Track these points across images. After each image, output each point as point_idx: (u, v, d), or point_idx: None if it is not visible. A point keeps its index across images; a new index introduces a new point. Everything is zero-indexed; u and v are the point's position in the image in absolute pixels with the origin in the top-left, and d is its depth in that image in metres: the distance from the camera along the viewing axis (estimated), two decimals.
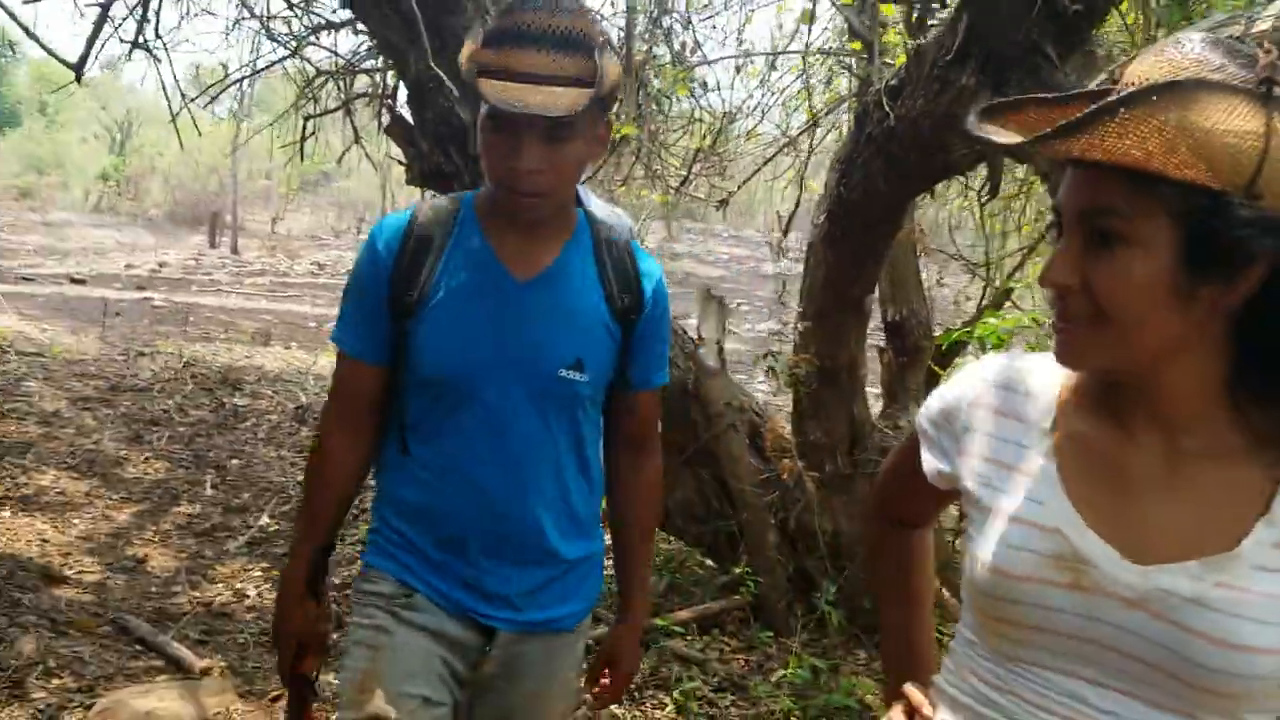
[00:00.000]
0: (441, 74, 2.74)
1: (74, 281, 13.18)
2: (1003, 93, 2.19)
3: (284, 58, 6.29)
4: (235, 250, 23.70)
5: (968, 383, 1.07)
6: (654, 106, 6.29)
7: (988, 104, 0.95)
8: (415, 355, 1.52)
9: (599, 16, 1.50)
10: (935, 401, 1.10)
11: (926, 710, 1.08)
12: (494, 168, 1.46)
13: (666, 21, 6.25)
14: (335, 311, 1.63)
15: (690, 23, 6.46)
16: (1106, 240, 0.87)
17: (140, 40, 5.76)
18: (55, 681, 2.88)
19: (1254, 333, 0.87)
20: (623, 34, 6.18)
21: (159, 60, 5.96)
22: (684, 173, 6.74)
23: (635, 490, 1.69)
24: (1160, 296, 0.86)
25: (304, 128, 6.43)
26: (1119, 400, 0.97)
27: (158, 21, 6.95)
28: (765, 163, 6.61)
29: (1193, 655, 0.88)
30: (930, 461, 1.09)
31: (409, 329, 1.52)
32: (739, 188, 6.55)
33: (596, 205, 2.13)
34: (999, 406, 1.03)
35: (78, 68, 5.44)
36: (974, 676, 1.02)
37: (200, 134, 6.23)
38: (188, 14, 6.42)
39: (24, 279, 12.61)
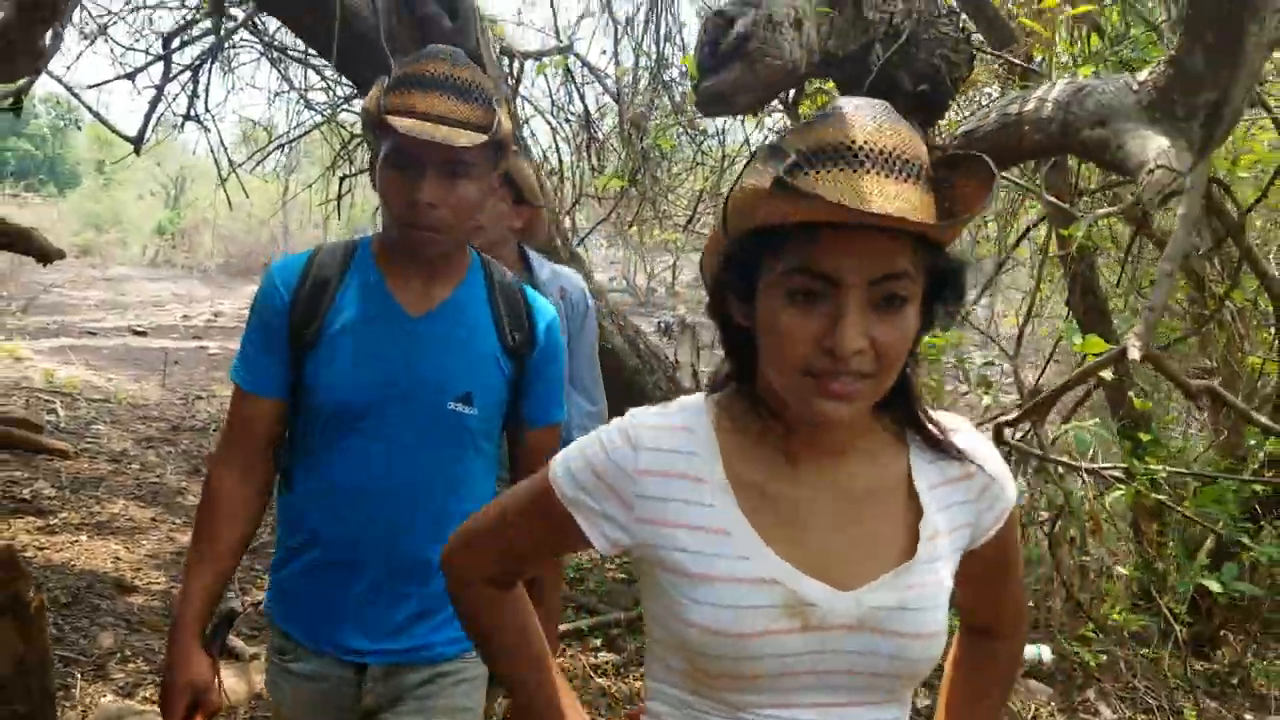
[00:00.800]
0: None
1: (135, 334, 14.10)
2: None
3: (319, 124, 7.01)
4: None
5: (618, 448, 1.04)
6: (657, 152, 6.83)
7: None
8: (310, 385, 1.56)
9: (491, 75, 1.52)
10: (583, 472, 1.06)
11: None
12: (394, 204, 1.53)
13: (667, 75, 6.81)
14: None
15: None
16: (892, 301, 0.93)
17: (191, 114, 6.53)
18: (131, 666, 3.46)
19: None
20: (625, 87, 6.78)
21: (208, 130, 6.72)
22: (689, 212, 7.30)
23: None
24: (912, 339, 0.96)
25: (340, 186, 7.13)
26: (779, 439, 1.03)
27: (207, 96, 7.72)
28: None
29: (907, 654, 1.00)
30: (600, 532, 1.05)
31: (305, 362, 1.56)
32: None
33: (547, 268, 2.34)
34: (670, 470, 1.03)
35: (136, 141, 6.21)
36: None
37: (247, 195, 6.96)
38: (234, 88, 7.17)
39: (89, 333, 13.52)
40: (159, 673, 3.42)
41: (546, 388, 1.67)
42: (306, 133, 7.09)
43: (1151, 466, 3.48)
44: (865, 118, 0.92)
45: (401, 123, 1.45)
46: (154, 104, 6.23)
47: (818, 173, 0.90)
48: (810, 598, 0.98)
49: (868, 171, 0.89)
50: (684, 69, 6.97)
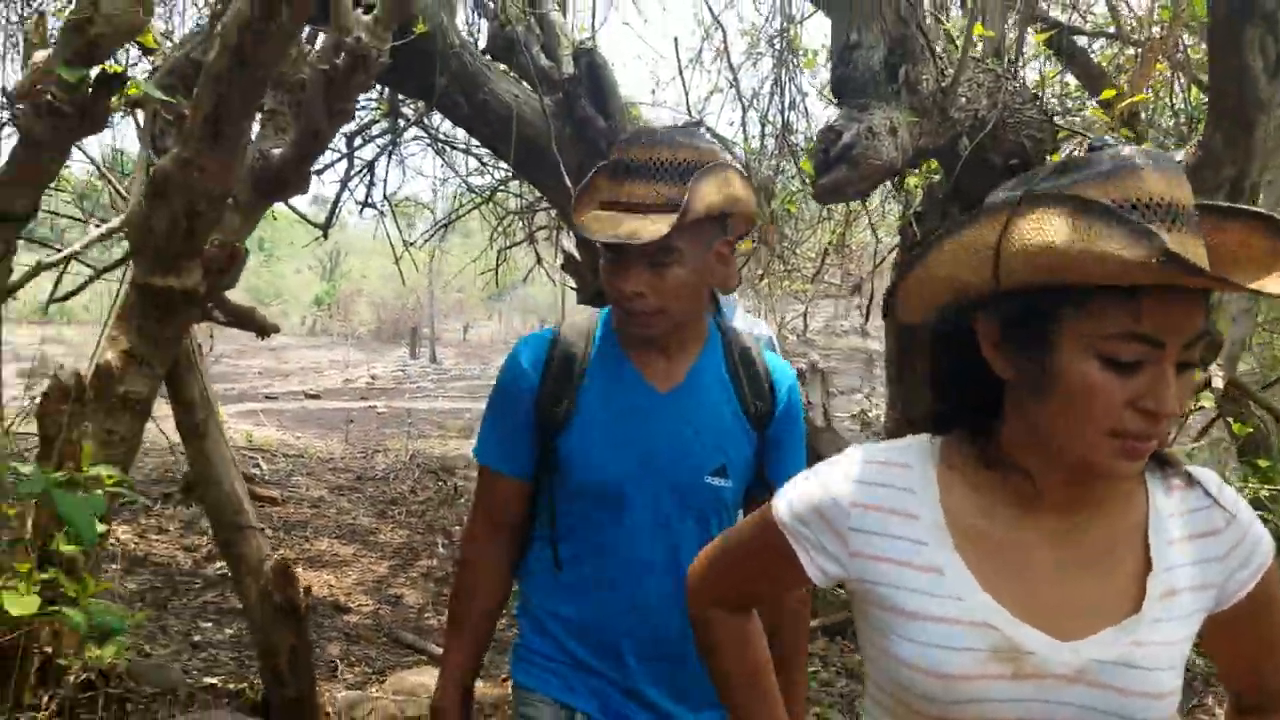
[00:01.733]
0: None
1: (309, 397, 15.51)
2: None
3: (480, 204, 7.90)
4: (434, 359, 26.24)
5: (835, 483, 1.06)
6: (785, 213, 7.38)
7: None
8: (564, 465, 1.56)
9: (713, 143, 1.55)
10: (800, 502, 1.08)
11: None
12: (608, 291, 1.54)
13: (793, 140, 7.38)
14: None
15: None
16: (1189, 364, 0.92)
17: (369, 200, 7.50)
18: (356, 669, 4.18)
19: None
20: (752, 154, 7.40)
21: (383, 215, 7.70)
22: (816, 265, 7.83)
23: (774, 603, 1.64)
24: None
25: (498, 257, 8.00)
26: (1012, 486, 1.00)
27: (385, 186, 8.77)
28: (891, 250, 7.63)
29: (1129, 712, 0.95)
30: (815, 564, 1.07)
31: (558, 443, 1.56)
32: (868, 274, 7.57)
33: (740, 316, 2.28)
34: (884, 505, 1.03)
35: (324, 227, 7.19)
36: None
37: (417, 269, 7.89)
38: (405, 176, 8.17)
39: (269, 397, 14.98)
40: (379, 674, 4.13)
41: (790, 451, 1.65)
42: (468, 211, 7.98)
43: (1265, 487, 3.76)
44: (1161, 169, 0.89)
45: (588, 223, 1.50)
46: (339, 196, 7.24)
47: (1169, 233, 0.85)
48: (1025, 645, 0.96)
49: (1190, 231, 0.88)
50: (808, 133, 7.53)
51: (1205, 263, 0.86)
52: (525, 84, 4.65)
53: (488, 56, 4.93)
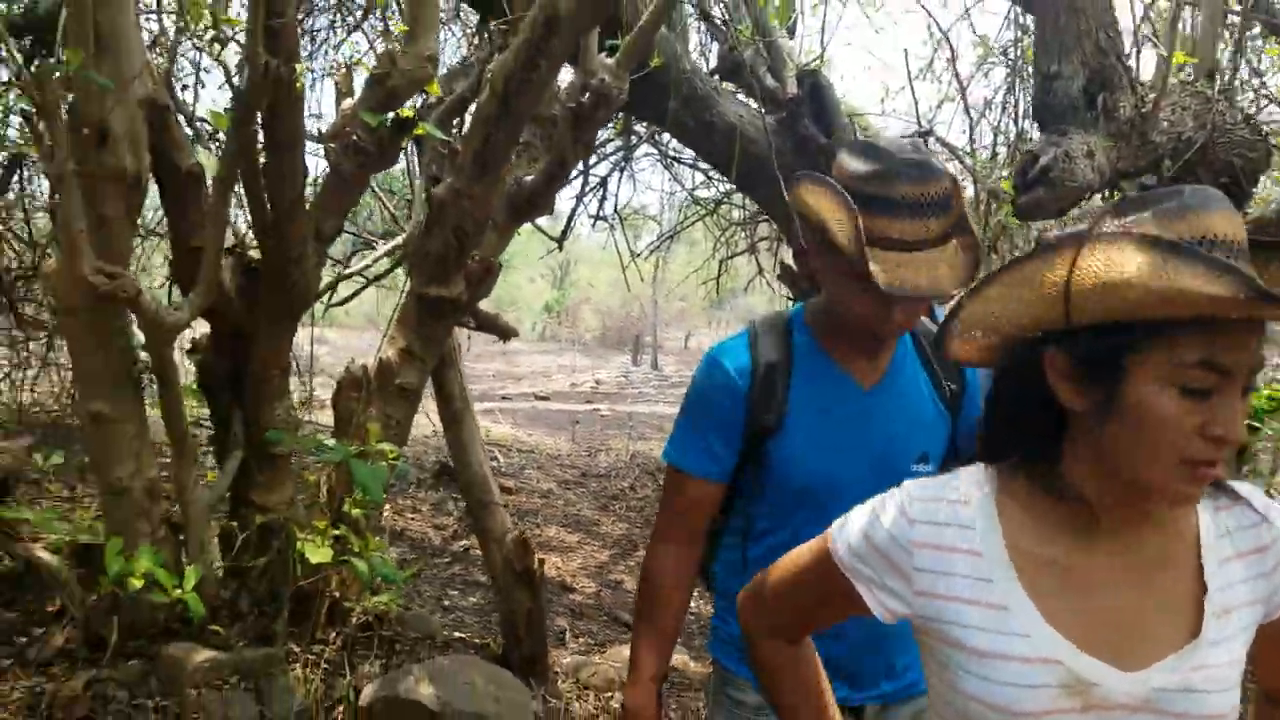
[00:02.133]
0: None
1: (539, 399, 16.54)
2: None
3: (703, 215, 8.29)
4: (655, 366, 27.04)
5: (894, 521, 1.07)
6: (1014, 220, 7.26)
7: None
8: (779, 469, 1.60)
9: (943, 163, 1.54)
10: (859, 541, 1.09)
11: None
12: (862, 316, 1.53)
13: (1023, 148, 7.22)
14: None
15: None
16: (1249, 389, 0.95)
17: (600, 214, 8.05)
18: (580, 640, 4.63)
19: None
20: (983, 163, 7.34)
21: (613, 228, 8.23)
22: None
23: None
24: None
25: (720, 267, 8.35)
26: (1073, 515, 1.03)
27: (616, 200, 9.37)
28: None
29: None
30: (879, 602, 1.08)
31: (769, 446, 1.60)
32: None
33: None
34: (946, 544, 1.04)
35: (560, 240, 7.78)
36: None
37: (641, 278, 8.37)
38: (635, 190, 8.72)
39: (504, 398, 16.12)
40: (600, 646, 4.55)
41: (973, 429, 1.62)
42: (692, 223, 8.40)
43: None
44: (1223, 208, 0.93)
45: (882, 272, 1.42)
46: (574, 210, 7.84)
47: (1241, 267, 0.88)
48: (1091, 677, 0.98)
49: (1248, 264, 0.92)
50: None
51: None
52: (751, 103, 4.96)
53: (716, 77, 5.29)
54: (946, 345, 1.08)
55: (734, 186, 7.85)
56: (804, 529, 1.51)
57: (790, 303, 5.20)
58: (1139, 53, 2.73)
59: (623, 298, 33.68)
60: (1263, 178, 3.23)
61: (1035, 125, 2.85)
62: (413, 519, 6.30)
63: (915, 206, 1.43)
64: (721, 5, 5.27)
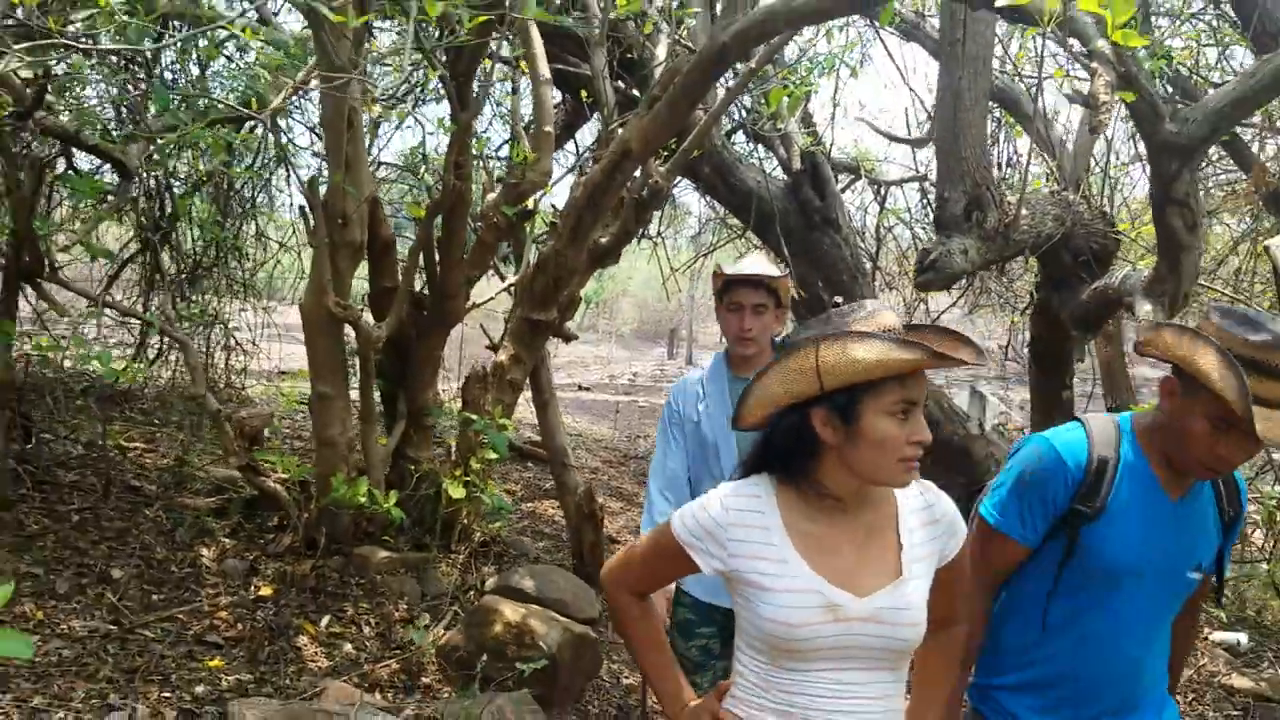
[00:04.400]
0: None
1: (581, 389, 18.18)
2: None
3: (732, 239, 9.79)
4: (690, 360, 28.45)
5: (716, 512, 1.65)
6: None
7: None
8: (1088, 549, 1.95)
9: None
10: (691, 524, 1.66)
11: (724, 714, 1.70)
12: (1196, 449, 1.85)
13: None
14: None
15: None
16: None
17: (644, 233, 9.57)
18: None
19: None
20: None
21: (657, 244, 9.75)
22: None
23: (1179, 644, 2.13)
24: None
25: None
26: (822, 502, 1.63)
27: (659, 220, 10.86)
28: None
29: (900, 636, 1.60)
30: (707, 563, 1.65)
31: (1081, 532, 1.94)
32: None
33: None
34: (746, 523, 1.63)
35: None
36: (773, 689, 1.63)
37: (675, 278, 9.90)
38: (675, 211, 10.30)
39: None
40: None
41: (1228, 545, 2.06)
42: (721, 245, 9.91)
43: None
44: (886, 310, 1.57)
45: (1264, 431, 1.70)
46: None
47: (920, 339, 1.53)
48: (838, 601, 1.57)
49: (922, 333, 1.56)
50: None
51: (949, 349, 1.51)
52: (762, 169, 6.51)
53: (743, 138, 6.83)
54: (741, 418, 1.67)
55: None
56: (1108, 603, 1.96)
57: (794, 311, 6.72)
58: (1027, 168, 4.22)
59: (659, 292, 34.69)
60: (1116, 259, 4.72)
61: (933, 230, 4.38)
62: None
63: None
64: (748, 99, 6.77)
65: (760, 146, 7.23)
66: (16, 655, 1.54)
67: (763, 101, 6.38)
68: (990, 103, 4.24)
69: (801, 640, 1.57)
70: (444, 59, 3.85)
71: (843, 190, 8.55)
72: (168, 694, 3.41)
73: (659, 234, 9.70)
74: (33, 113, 3.34)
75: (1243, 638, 5.31)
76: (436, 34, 3.60)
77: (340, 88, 3.31)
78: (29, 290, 4.67)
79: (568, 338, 7.62)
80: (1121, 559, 1.93)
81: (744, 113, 7.04)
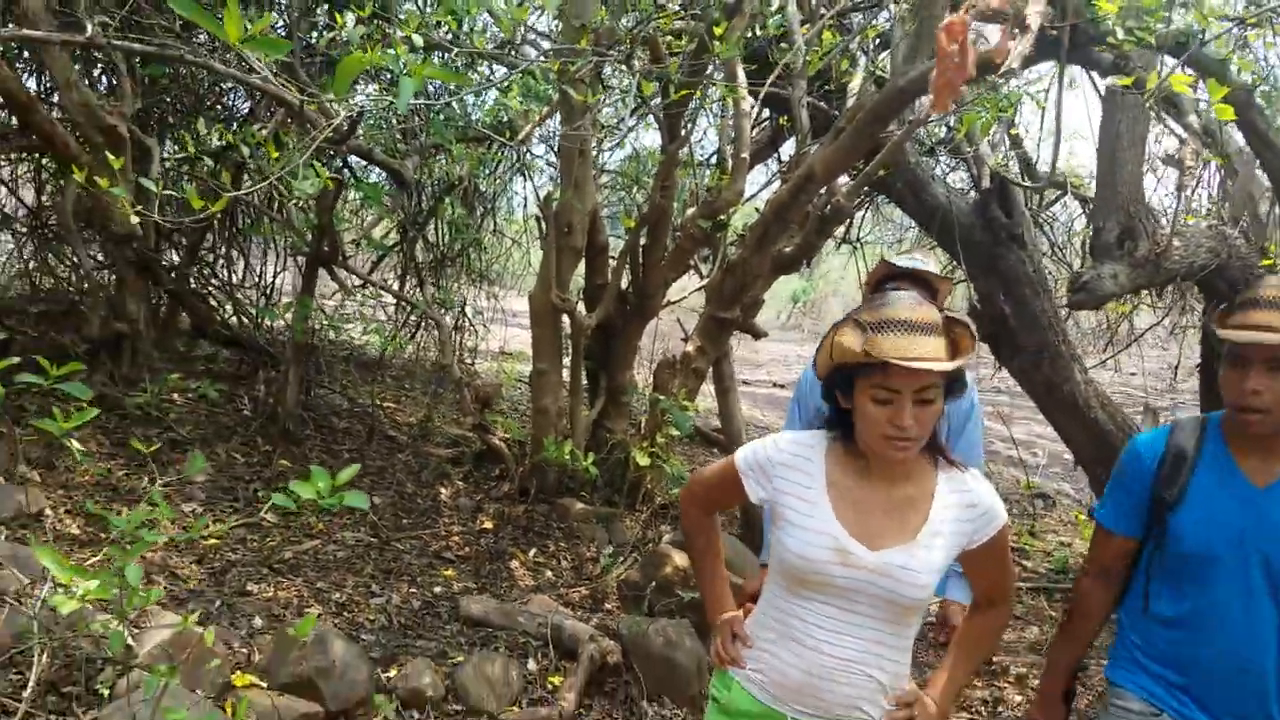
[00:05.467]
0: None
1: (776, 385, 18.81)
2: None
3: (931, 247, 10.19)
4: None
5: (771, 450, 1.91)
6: None
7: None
8: (1173, 534, 2.09)
9: None
10: (750, 456, 1.93)
11: (741, 630, 1.98)
12: (1228, 393, 2.01)
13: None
14: None
15: None
16: (926, 402, 1.76)
17: (846, 237, 10.13)
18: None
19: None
20: None
21: (856, 250, 10.25)
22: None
23: None
24: (937, 418, 1.81)
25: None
26: (870, 465, 1.85)
27: (859, 228, 11.38)
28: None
29: (902, 592, 1.80)
30: (754, 492, 1.92)
31: (1168, 516, 2.09)
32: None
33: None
34: (795, 465, 1.88)
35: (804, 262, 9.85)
36: (778, 610, 1.90)
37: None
38: (877, 220, 10.83)
39: (745, 383, 18.51)
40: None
41: None
42: (910, 249, 10.31)
43: None
44: (904, 302, 1.75)
45: (1235, 335, 1.95)
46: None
47: (883, 337, 1.69)
48: (850, 548, 1.81)
49: (914, 334, 1.69)
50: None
51: (909, 354, 1.68)
52: (948, 186, 7.01)
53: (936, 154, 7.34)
54: (816, 367, 1.91)
55: None
56: (1203, 588, 2.08)
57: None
58: (1178, 203, 4.62)
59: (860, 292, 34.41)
60: None
61: (1089, 256, 4.82)
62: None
63: (1272, 303, 1.97)
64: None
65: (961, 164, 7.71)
66: (359, 505, 2.47)
67: (959, 123, 6.89)
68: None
69: (812, 574, 1.84)
70: (658, 101, 4.70)
71: (1050, 204, 8.82)
72: (414, 590, 4.47)
73: (859, 239, 10.24)
74: (348, 139, 4.45)
75: None
76: (655, 82, 4.46)
77: (576, 129, 4.23)
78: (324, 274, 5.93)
79: (757, 334, 8.30)
80: (1203, 542, 2.06)
81: (946, 130, 7.54)
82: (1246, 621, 2.05)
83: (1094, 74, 5.36)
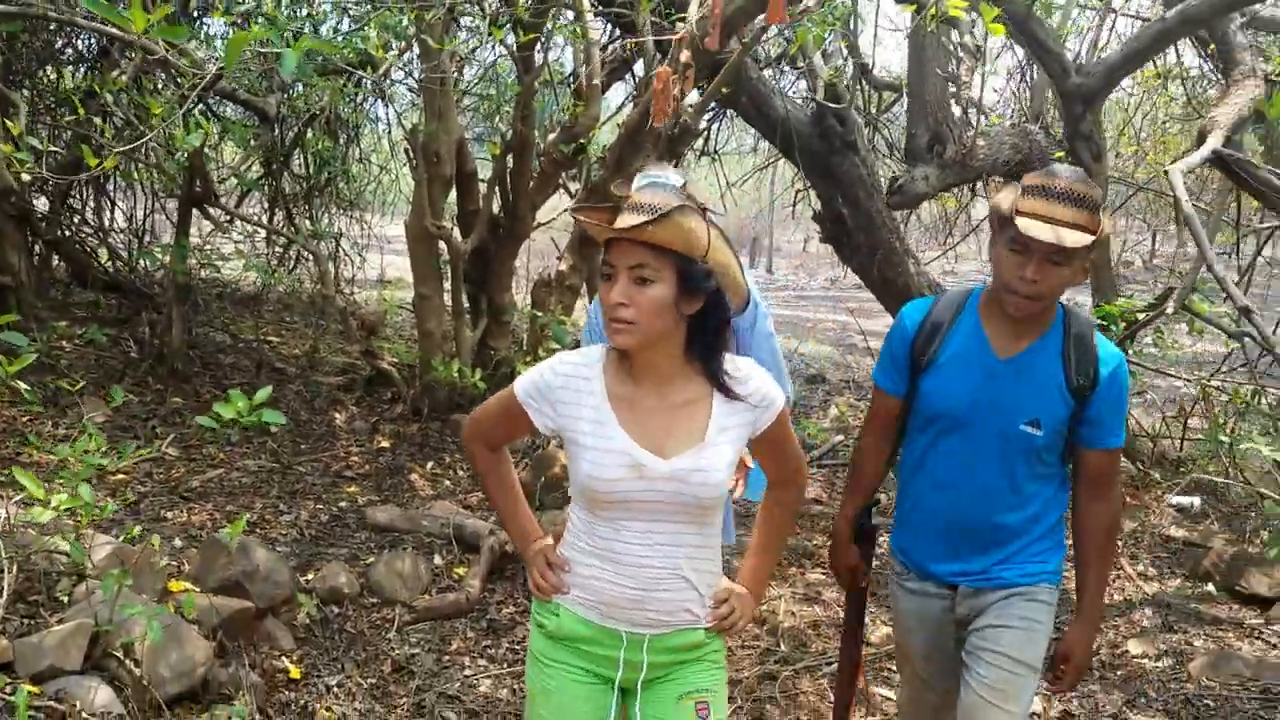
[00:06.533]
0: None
1: None
2: None
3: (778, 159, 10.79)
4: (770, 269, 29.31)
5: (549, 375, 1.89)
6: None
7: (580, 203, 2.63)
8: (922, 396, 2.30)
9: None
10: (528, 385, 1.91)
11: (556, 558, 1.98)
12: (1004, 272, 2.13)
13: None
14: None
15: None
16: (643, 281, 1.74)
17: (705, 150, 10.60)
18: None
19: (695, 327, 1.83)
20: None
21: (714, 161, 10.74)
22: None
23: (1085, 523, 2.27)
24: (665, 308, 1.77)
25: (794, 196, 10.82)
26: (633, 369, 1.85)
27: (716, 139, 11.74)
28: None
29: (699, 494, 1.85)
30: (540, 421, 1.90)
31: (920, 379, 2.29)
32: None
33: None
34: (573, 386, 1.88)
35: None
36: (594, 535, 1.91)
37: (730, 184, 10.94)
38: (733, 131, 11.61)
39: None
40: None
41: (1103, 421, 2.19)
42: (774, 161, 10.90)
43: None
44: (642, 188, 1.99)
45: (1027, 225, 2.03)
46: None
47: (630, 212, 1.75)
48: (643, 460, 1.83)
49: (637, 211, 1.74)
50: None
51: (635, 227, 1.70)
52: (786, 100, 7.56)
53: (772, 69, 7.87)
54: None
55: None
56: (931, 448, 2.31)
57: (819, 236, 7.79)
58: (979, 106, 5.26)
59: (734, 201, 35.11)
60: None
61: (904, 160, 5.46)
62: None
63: (1062, 195, 2.06)
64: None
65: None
66: (275, 423, 2.89)
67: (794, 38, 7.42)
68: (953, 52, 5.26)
69: (611, 493, 1.85)
70: (511, 40, 5.05)
71: (888, 107, 9.47)
72: (320, 506, 4.89)
73: (716, 151, 10.75)
74: (216, 83, 4.68)
75: (1196, 500, 6.28)
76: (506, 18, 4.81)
77: (434, 66, 4.56)
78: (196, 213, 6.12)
79: None
80: (946, 404, 2.25)
81: (785, 43, 8.06)
82: (979, 483, 2.25)
83: None
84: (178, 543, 4.09)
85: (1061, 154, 5.57)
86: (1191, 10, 4.46)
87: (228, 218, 6.25)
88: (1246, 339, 5.03)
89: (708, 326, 1.82)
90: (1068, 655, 2.27)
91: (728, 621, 1.98)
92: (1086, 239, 2.03)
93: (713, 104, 10.07)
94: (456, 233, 5.78)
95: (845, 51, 7.86)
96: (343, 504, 4.95)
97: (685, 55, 3.58)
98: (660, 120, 3.41)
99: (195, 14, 4.89)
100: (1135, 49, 4.24)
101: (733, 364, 1.90)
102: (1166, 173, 4.43)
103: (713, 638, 1.99)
